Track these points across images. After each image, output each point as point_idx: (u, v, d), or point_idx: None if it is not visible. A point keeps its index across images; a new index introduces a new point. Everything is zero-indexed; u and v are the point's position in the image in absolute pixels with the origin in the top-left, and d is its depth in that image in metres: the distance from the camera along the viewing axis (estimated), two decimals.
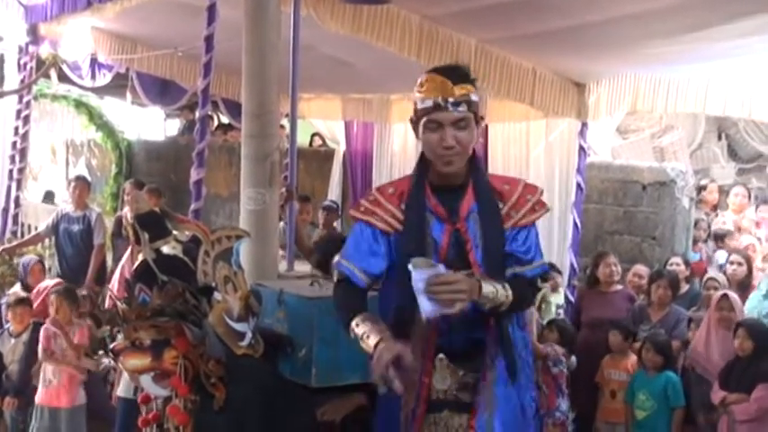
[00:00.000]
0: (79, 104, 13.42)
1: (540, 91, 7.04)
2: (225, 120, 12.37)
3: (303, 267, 5.81)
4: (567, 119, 7.59)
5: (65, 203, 9.29)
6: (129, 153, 13.69)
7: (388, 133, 10.01)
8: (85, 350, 5.99)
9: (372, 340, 2.72)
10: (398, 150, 9.80)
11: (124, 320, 3.08)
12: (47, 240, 8.74)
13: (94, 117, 13.59)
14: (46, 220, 8.62)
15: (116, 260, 7.86)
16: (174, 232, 3.23)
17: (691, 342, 5.95)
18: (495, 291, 2.76)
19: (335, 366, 3.50)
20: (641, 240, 8.01)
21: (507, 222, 2.92)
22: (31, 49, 9.10)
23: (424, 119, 2.84)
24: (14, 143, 9.07)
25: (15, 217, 9.09)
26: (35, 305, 6.46)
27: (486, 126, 8.28)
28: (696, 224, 8.15)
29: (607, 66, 6.82)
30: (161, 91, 10.22)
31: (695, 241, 8.08)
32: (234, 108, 9.48)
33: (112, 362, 5.13)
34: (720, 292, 5.96)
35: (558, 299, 7.09)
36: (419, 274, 2.64)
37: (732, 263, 6.72)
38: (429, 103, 2.83)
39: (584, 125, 7.54)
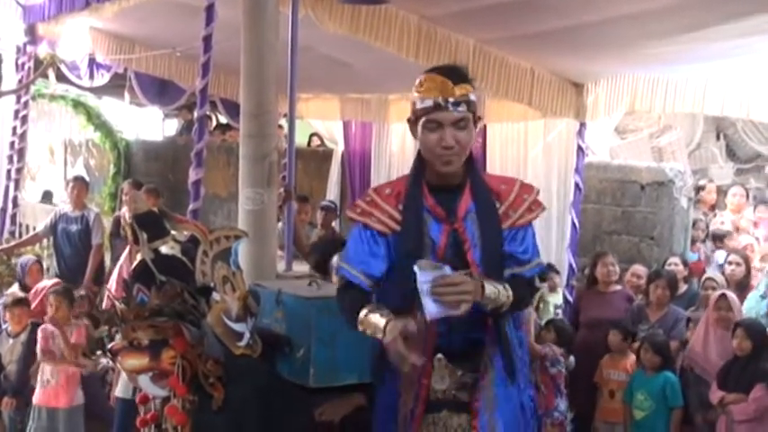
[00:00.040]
0: (77, 104, 13.40)
1: (539, 91, 7.05)
2: (223, 120, 12.38)
3: (301, 267, 5.80)
4: (565, 119, 7.60)
5: (63, 203, 9.28)
6: (128, 153, 13.68)
7: (387, 133, 10.01)
8: (83, 350, 5.99)
9: (381, 324, 2.72)
10: (397, 150, 9.80)
11: (122, 320, 3.08)
12: (45, 240, 8.73)
13: (93, 117, 13.58)
14: (44, 221, 8.62)
15: (114, 260, 7.86)
16: (173, 232, 3.23)
17: (689, 342, 5.95)
18: (497, 291, 2.76)
19: (333, 367, 3.50)
20: (639, 240, 8.01)
21: (505, 222, 2.93)
22: (29, 48, 9.10)
23: (424, 119, 2.84)
24: (12, 143, 9.06)
25: (13, 217, 9.09)
26: (33, 305, 6.46)
27: (485, 126, 8.28)
28: (694, 224, 8.15)
29: (605, 66, 6.82)
30: (159, 91, 10.22)
31: (693, 241, 8.08)
32: (232, 108, 9.50)
33: (110, 362, 5.13)
34: (719, 292, 5.97)
35: (556, 299, 7.09)
36: (424, 276, 2.64)
37: (730, 263, 6.73)
38: (429, 102, 2.82)
39: (583, 125, 7.55)
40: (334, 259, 4.40)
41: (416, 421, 2.88)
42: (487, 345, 2.91)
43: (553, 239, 7.88)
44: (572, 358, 6.09)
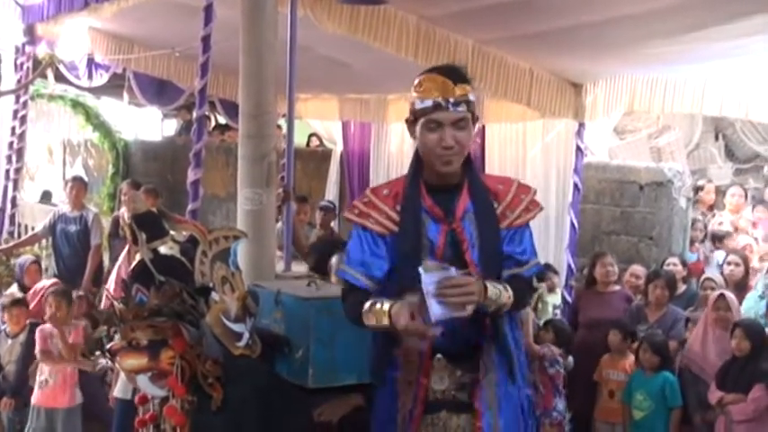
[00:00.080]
0: (76, 104, 13.40)
1: (537, 91, 7.05)
2: (222, 120, 12.38)
3: (300, 268, 5.81)
4: (564, 119, 7.61)
5: (62, 204, 9.28)
6: (126, 153, 13.68)
7: (386, 133, 10.02)
8: (82, 350, 5.99)
9: (386, 307, 2.72)
10: (395, 150, 9.80)
11: (121, 320, 3.07)
12: (44, 241, 8.73)
13: (91, 117, 13.57)
14: (43, 221, 8.62)
15: (113, 260, 7.85)
16: (172, 232, 3.22)
17: (687, 342, 5.96)
18: (499, 292, 2.76)
19: (332, 367, 3.50)
20: (638, 240, 8.01)
21: (503, 222, 2.93)
22: (28, 49, 9.10)
23: (424, 119, 2.83)
24: (11, 143, 9.06)
25: (12, 217, 9.08)
26: (31, 306, 6.46)
27: (483, 126, 8.29)
28: (693, 224, 8.16)
29: (604, 66, 6.83)
30: (158, 91, 10.23)
31: (692, 242, 8.09)
32: (231, 108, 9.50)
33: (109, 362, 5.12)
34: (717, 292, 5.97)
35: (555, 299, 7.09)
36: (430, 278, 2.63)
37: (729, 263, 6.73)
38: (429, 103, 2.82)
39: (582, 125, 7.56)
40: (333, 259, 4.41)
41: (415, 422, 2.87)
42: (486, 345, 2.91)
43: (552, 240, 7.89)
44: (570, 358, 6.09)
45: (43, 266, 8.00)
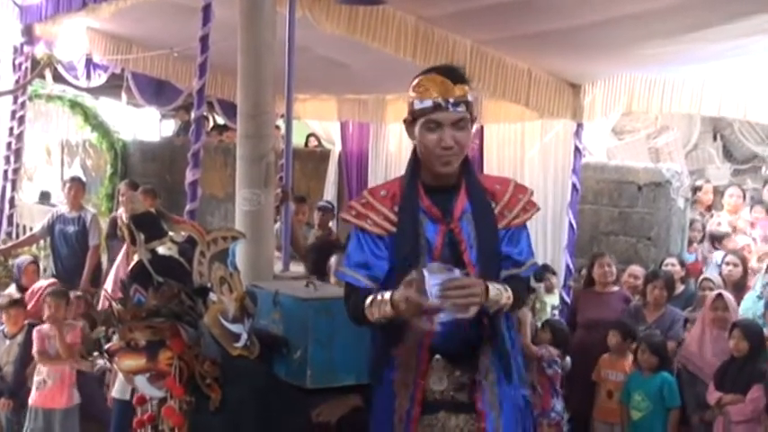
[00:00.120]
0: (74, 105, 13.40)
1: (536, 92, 7.06)
2: (220, 120, 12.38)
3: (299, 268, 5.81)
4: (562, 120, 7.61)
5: (60, 204, 9.28)
6: (125, 154, 13.68)
7: (384, 134, 10.02)
8: (80, 351, 5.99)
9: (387, 296, 2.72)
10: (394, 151, 9.80)
11: (119, 321, 3.07)
12: (42, 241, 8.73)
13: (89, 117, 13.57)
14: (41, 221, 8.61)
15: (111, 261, 7.86)
16: (170, 233, 3.22)
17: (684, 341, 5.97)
18: (500, 293, 2.77)
19: (331, 368, 3.49)
20: (636, 241, 8.01)
21: (501, 222, 2.92)
22: (26, 49, 9.10)
23: (423, 119, 2.83)
24: (9, 144, 9.06)
25: (10, 218, 9.08)
26: (29, 306, 6.46)
27: (482, 127, 8.30)
28: (691, 225, 8.16)
29: (602, 67, 6.83)
30: (156, 91, 10.22)
31: (690, 242, 8.09)
32: (229, 109, 9.50)
33: (108, 363, 5.12)
34: (715, 292, 5.98)
35: (553, 300, 7.09)
36: (434, 279, 2.62)
37: (728, 263, 6.73)
38: (428, 103, 2.81)
39: (580, 126, 7.56)
40: (333, 259, 4.41)
41: (413, 423, 2.87)
42: (485, 345, 2.91)
43: (550, 240, 7.89)
44: (568, 359, 6.09)
45: (41, 267, 8.00)
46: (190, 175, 5.69)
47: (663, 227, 7.90)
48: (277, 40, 5.49)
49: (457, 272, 2.66)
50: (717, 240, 7.89)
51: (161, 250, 3.15)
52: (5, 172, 9.06)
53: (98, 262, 8.30)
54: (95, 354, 5.94)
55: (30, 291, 6.78)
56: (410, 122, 2.89)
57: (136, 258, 3.17)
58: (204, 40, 5.70)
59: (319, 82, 8.90)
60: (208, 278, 3.15)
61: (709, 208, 8.87)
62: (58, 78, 10.13)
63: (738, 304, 6.09)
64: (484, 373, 2.89)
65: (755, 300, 6.24)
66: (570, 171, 7.63)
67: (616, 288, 6.69)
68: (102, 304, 5.84)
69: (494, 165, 8.39)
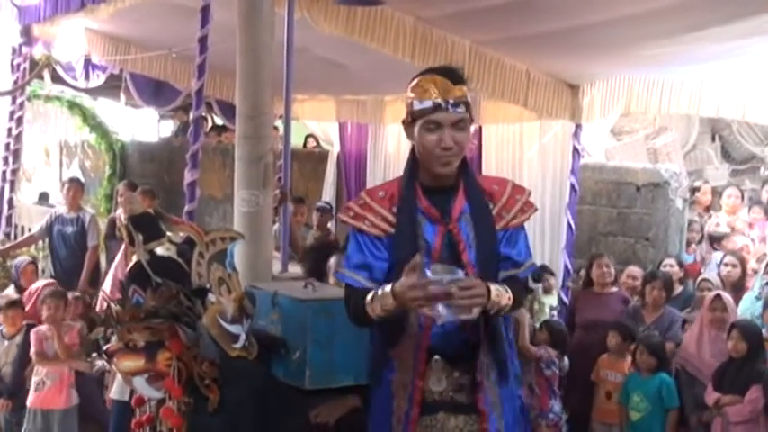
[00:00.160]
0: (73, 106, 13.39)
1: (534, 92, 7.06)
2: (219, 121, 12.39)
3: (297, 269, 5.80)
4: (560, 120, 7.61)
5: (59, 205, 9.28)
6: (123, 154, 13.67)
7: (382, 134, 10.02)
8: (78, 352, 5.99)
9: (387, 289, 2.71)
10: (392, 151, 9.81)
11: (118, 322, 3.07)
12: (41, 242, 8.73)
13: (88, 118, 13.57)
14: (40, 222, 8.61)
15: (109, 262, 7.85)
16: (168, 234, 3.23)
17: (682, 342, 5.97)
18: (501, 294, 2.77)
19: (329, 368, 3.49)
20: (635, 242, 8.02)
21: (499, 223, 2.92)
22: (25, 50, 9.09)
23: (423, 120, 2.82)
24: (8, 144, 9.05)
25: (9, 218, 9.07)
26: (27, 307, 6.46)
27: (480, 128, 8.30)
28: (689, 225, 8.17)
29: (601, 67, 6.83)
30: (155, 92, 10.22)
31: (689, 243, 8.10)
32: (228, 109, 9.50)
33: (106, 364, 5.12)
34: (713, 293, 5.98)
35: (551, 300, 7.09)
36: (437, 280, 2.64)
37: (726, 264, 6.74)
38: (428, 104, 2.81)
39: (578, 127, 7.56)
40: (332, 260, 4.41)
41: (412, 424, 2.87)
42: (484, 345, 2.91)
43: (549, 241, 7.89)
44: (566, 360, 6.09)
45: (40, 268, 8.00)
46: (188, 176, 5.68)
47: (661, 227, 7.91)
48: (275, 41, 5.49)
49: (460, 273, 2.66)
50: (716, 241, 7.90)
51: (159, 251, 3.15)
52: (4, 173, 9.05)
53: (97, 263, 8.30)
54: (94, 354, 5.94)
55: (27, 291, 6.78)
56: (409, 123, 2.89)
57: (134, 259, 3.17)
58: (203, 41, 5.70)
59: (318, 83, 8.90)
60: (206, 279, 3.15)
61: (707, 209, 8.88)
62: (56, 79, 10.12)
63: (737, 305, 6.10)
64: (485, 374, 2.90)
65: (754, 300, 6.25)
66: (569, 172, 7.63)
67: (614, 289, 6.69)
68: (100, 305, 5.83)
69: (492, 165, 8.39)
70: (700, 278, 6.77)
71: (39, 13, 8.36)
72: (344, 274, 2.94)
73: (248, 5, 5.30)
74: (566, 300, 7.26)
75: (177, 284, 3.08)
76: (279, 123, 7.32)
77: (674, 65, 6.34)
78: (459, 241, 2.87)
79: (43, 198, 13.54)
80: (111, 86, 10.26)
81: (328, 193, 10.67)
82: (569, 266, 7.51)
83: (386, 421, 2.92)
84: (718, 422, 5.36)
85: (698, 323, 5.89)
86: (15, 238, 9.14)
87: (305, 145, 12.63)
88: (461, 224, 2.89)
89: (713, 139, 10.73)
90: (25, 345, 6.02)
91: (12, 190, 9.13)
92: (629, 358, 5.97)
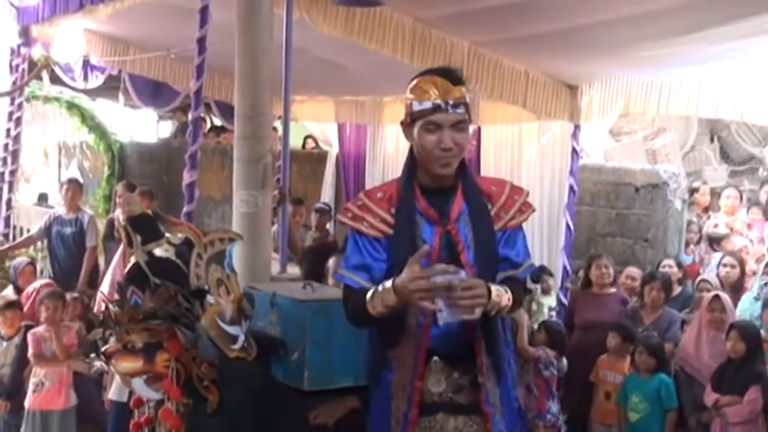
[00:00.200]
0: (71, 106, 13.39)
1: (533, 93, 7.06)
2: (218, 122, 12.39)
3: (296, 270, 5.80)
4: (559, 121, 7.61)
5: (58, 206, 9.28)
6: (122, 155, 13.67)
7: (381, 135, 10.02)
8: (77, 353, 5.99)
9: (388, 284, 2.71)
10: (391, 152, 9.81)
11: (116, 323, 3.07)
12: (39, 243, 8.73)
13: (87, 119, 13.57)
14: (38, 223, 8.61)
15: (108, 262, 7.85)
16: (167, 235, 3.22)
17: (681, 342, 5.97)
18: (501, 294, 2.77)
19: (328, 369, 3.49)
20: (634, 242, 8.02)
21: (497, 224, 2.93)
22: (23, 50, 9.09)
23: (422, 121, 2.82)
24: (6, 145, 9.05)
25: (7, 219, 9.07)
26: (25, 308, 6.45)
27: (479, 128, 8.30)
28: (688, 226, 8.17)
29: (599, 68, 6.83)
30: (153, 93, 10.22)
31: (687, 243, 8.10)
32: (226, 110, 9.50)
33: (105, 365, 5.12)
34: (712, 293, 5.98)
35: (550, 301, 7.09)
36: (440, 280, 2.63)
37: (725, 265, 6.74)
38: (428, 104, 2.81)
39: (577, 127, 7.56)
40: (331, 261, 4.41)
41: (411, 425, 2.87)
42: (483, 346, 2.91)
43: (547, 241, 7.89)
44: (564, 360, 6.09)
45: (38, 268, 8.00)
46: (187, 177, 5.68)
47: (660, 228, 7.91)
48: (274, 41, 5.48)
49: (462, 273, 2.66)
50: (715, 242, 7.90)
51: (158, 252, 3.15)
52: (2, 174, 9.04)
53: (95, 263, 8.30)
54: (92, 355, 5.94)
55: (25, 292, 6.78)
56: (408, 124, 2.88)
57: (133, 260, 3.16)
58: (201, 41, 5.69)
59: (316, 84, 8.90)
60: (205, 280, 3.15)
61: (706, 209, 8.89)
62: (55, 80, 10.12)
63: (735, 306, 6.10)
64: (487, 374, 2.89)
65: (752, 301, 6.25)
66: (567, 172, 7.63)
67: (613, 290, 6.70)
68: (98, 306, 5.83)
69: (491, 166, 8.39)
70: (698, 279, 6.78)
71: (37, 13, 8.35)
72: (343, 275, 2.94)
73: (247, 6, 5.30)
74: (564, 301, 7.27)
75: (176, 286, 3.08)
76: (278, 124, 7.32)
77: (673, 66, 6.34)
78: (458, 242, 2.87)
79: (42, 199, 13.54)
80: (110, 87, 10.26)
81: (327, 194, 10.67)
82: (568, 267, 7.51)
83: (385, 422, 2.91)
84: (717, 423, 5.36)
85: (696, 324, 5.90)
86: (14, 238, 9.15)
87: (304, 146, 12.64)
88: (460, 225, 2.89)
89: (712, 140, 10.75)
90: (23, 346, 6.02)
91: (10, 191, 9.13)
92: (628, 359, 5.97)
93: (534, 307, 6.94)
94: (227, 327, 3.10)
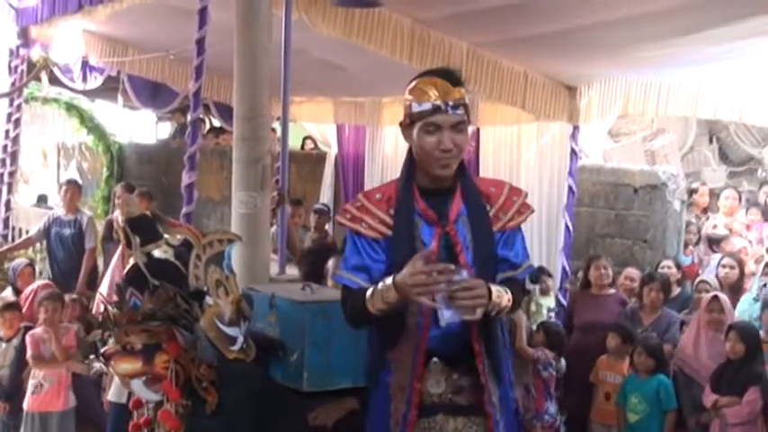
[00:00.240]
0: (70, 107, 13.40)
1: (532, 94, 7.06)
2: (216, 123, 12.37)
3: (295, 271, 5.79)
4: (558, 122, 7.61)
5: (57, 207, 9.27)
6: (121, 156, 13.68)
7: (380, 136, 10.02)
8: (76, 354, 5.98)
9: (388, 281, 2.70)
10: (390, 153, 9.81)
11: (115, 325, 3.07)
12: (38, 244, 8.72)
13: (86, 120, 13.57)
14: (37, 224, 8.60)
15: (107, 264, 7.85)
16: (166, 236, 3.22)
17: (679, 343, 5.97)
18: (501, 295, 2.77)
19: (327, 371, 3.49)
20: (633, 243, 8.02)
21: (496, 225, 2.93)
22: (22, 51, 9.09)
23: (422, 122, 2.82)
24: (5, 146, 9.05)
25: (6, 221, 9.07)
26: (24, 309, 6.45)
27: (478, 129, 8.30)
28: (687, 227, 8.17)
29: (598, 69, 6.83)
30: (152, 94, 10.22)
31: (686, 244, 8.10)
32: (225, 111, 9.49)
33: (104, 366, 5.12)
34: (711, 294, 5.98)
35: (549, 302, 7.09)
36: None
37: (724, 266, 6.74)
38: (427, 106, 2.81)
39: (576, 128, 7.56)
40: (330, 263, 4.40)
41: (410, 426, 2.86)
42: (482, 347, 2.90)
43: (546, 242, 7.88)
44: (563, 361, 6.09)
45: (37, 270, 7.99)
46: (186, 178, 5.68)
47: (659, 229, 7.91)
48: (273, 42, 5.48)
49: (464, 273, 2.66)
50: (715, 243, 7.90)
51: (157, 253, 3.15)
52: (1, 175, 9.04)
53: (94, 265, 8.29)
54: (91, 357, 5.94)
55: (23, 294, 6.78)
56: (407, 125, 2.88)
57: (131, 262, 3.16)
58: (200, 42, 5.69)
59: (315, 84, 8.90)
60: (204, 281, 3.15)
61: (705, 210, 8.88)
62: (53, 81, 10.13)
63: (735, 307, 6.10)
64: (488, 375, 2.89)
65: (752, 302, 6.25)
66: (566, 173, 7.63)
67: (612, 291, 6.69)
68: (97, 307, 5.83)
69: (490, 167, 8.39)
70: (697, 280, 6.78)
71: (36, 14, 8.35)
72: (342, 276, 2.94)
73: (246, 7, 5.30)
74: (563, 301, 7.27)
75: (174, 287, 3.08)
76: (276, 125, 7.32)
77: (672, 67, 6.34)
78: (456, 243, 2.87)
79: (42, 200, 13.53)
80: (109, 88, 10.26)
81: (326, 195, 10.67)
82: (567, 268, 7.51)
83: (384, 423, 2.91)
84: (716, 424, 5.36)
85: (695, 324, 5.89)
86: (13, 240, 9.14)
87: (303, 147, 12.64)
88: (458, 226, 2.89)
89: (711, 141, 10.76)
90: (22, 347, 6.02)
91: (9, 192, 9.13)
92: (627, 360, 5.97)
93: (533, 308, 6.94)
94: (225, 328, 3.10)
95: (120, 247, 6.12)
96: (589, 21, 5.52)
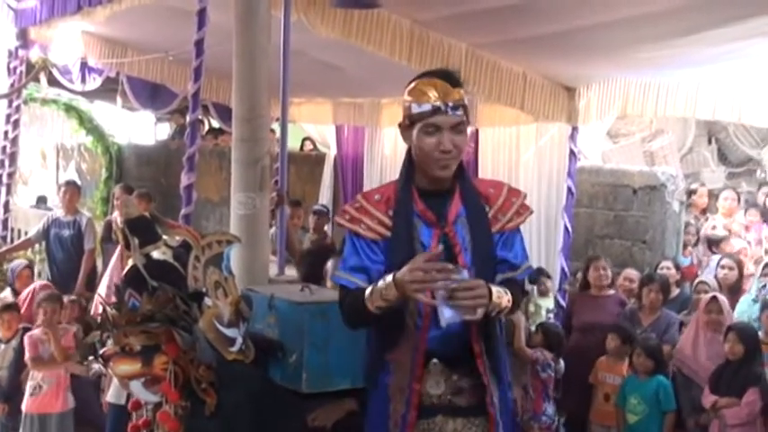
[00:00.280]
0: (69, 108, 13.40)
1: (531, 95, 7.06)
2: (215, 124, 12.37)
3: (294, 272, 5.79)
4: (557, 123, 7.61)
5: (56, 208, 9.27)
6: (120, 157, 13.68)
7: (379, 137, 10.02)
8: (74, 355, 5.98)
9: (388, 279, 2.70)
10: (389, 154, 9.80)
11: (114, 326, 3.07)
12: (37, 245, 8.72)
13: (84, 121, 13.58)
14: (36, 225, 8.60)
15: (105, 265, 7.84)
16: (165, 237, 3.22)
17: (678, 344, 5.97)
18: (501, 295, 2.77)
19: (326, 372, 3.49)
20: (632, 244, 8.02)
21: (494, 226, 2.93)
22: (21, 52, 9.09)
23: (421, 123, 2.81)
24: (4, 147, 9.05)
25: (5, 222, 9.06)
26: (23, 310, 6.45)
27: (477, 130, 8.30)
28: (686, 228, 8.17)
29: (597, 70, 6.84)
30: (151, 95, 10.22)
31: (685, 245, 8.10)
32: (224, 112, 9.49)
33: (103, 367, 5.11)
34: (709, 295, 5.98)
35: (548, 303, 7.09)
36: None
37: (723, 267, 6.75)
38: (427, 107, 2.80)
39: (575, 129, 7.56)
40: (329, 264, 4.40)
41: (409, 427, 2.86)
42: (482, 348, 2.90)
43: (545, 243, 7.88)
44: (561, 362, 6.09)
45: (36, 271, 8.00)
46: (185, 179, 5.68)
47: (658, 230, 7.91)
48: (272, 43, 5.48)
49: (465, 273, 2.66)
50: (714, 244, 7.90)
51: (156, 255, 3.15)
52: (0, 176, 9.04)
53: (93, 266, 8.29)
54: (90, 358, 5.93)
55: (22, 295, 6.78)
56: (406, 126, 2.88)
57: (130, 263, 3.16)
58: (199, 43, 5.69)
59: (314, 85, 8.90)
60: (203, 282, 3.15)
61: (704, 211, 8.88)
62: (52, 82, 10.13)
63: (733, 308, 6.10)
64: (489, 376, 2.89)
65: (751, 303, 6.26)
66: (565, 174, 7.63)
67: (611, 291, 6.69)
68: (95, 309, 5.83)
69: (489, 168, 8.39)
70: (696, 281, 6.77)
71: (35, 15, 8.36)
72: (340, 277, 2.94)
73: (245, 8, 5.30)
74: (562, 302, 7.27)
75: (173, 288, 3.08)
76: (276, 126, 7.32)
77: (671, 67, 6.34)
78: (455, 244, 2.87)
79: (41, 201, 13.53)
80: (108, 89, 10.27)
81: (325, 196, 10.67)
82: (566, 269, 7.51)
83: (383, 425, 2.91)
84: (715, 425, 5.36)
85: (693, 325, 5.89)
86: (12, 241, 9.13)
87: (302, 148, 12.64)
88: (457, 227, 2.89)
89: (710, 142, 10.75)
90: (21, 348, 6.02)
91: (8, 193, 9.12)
92: (627, 361, 5.96)
93: (531, 308, 6.94)
94: (224, 329, 3.10)
95: (118, 249, 6.11)
96: (588, 22, 5.52)
